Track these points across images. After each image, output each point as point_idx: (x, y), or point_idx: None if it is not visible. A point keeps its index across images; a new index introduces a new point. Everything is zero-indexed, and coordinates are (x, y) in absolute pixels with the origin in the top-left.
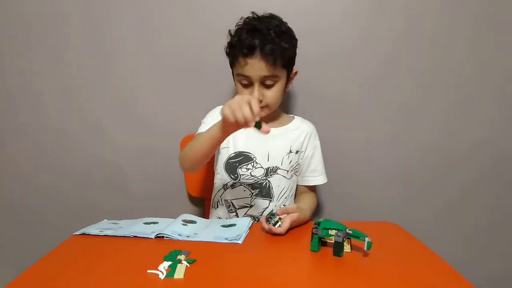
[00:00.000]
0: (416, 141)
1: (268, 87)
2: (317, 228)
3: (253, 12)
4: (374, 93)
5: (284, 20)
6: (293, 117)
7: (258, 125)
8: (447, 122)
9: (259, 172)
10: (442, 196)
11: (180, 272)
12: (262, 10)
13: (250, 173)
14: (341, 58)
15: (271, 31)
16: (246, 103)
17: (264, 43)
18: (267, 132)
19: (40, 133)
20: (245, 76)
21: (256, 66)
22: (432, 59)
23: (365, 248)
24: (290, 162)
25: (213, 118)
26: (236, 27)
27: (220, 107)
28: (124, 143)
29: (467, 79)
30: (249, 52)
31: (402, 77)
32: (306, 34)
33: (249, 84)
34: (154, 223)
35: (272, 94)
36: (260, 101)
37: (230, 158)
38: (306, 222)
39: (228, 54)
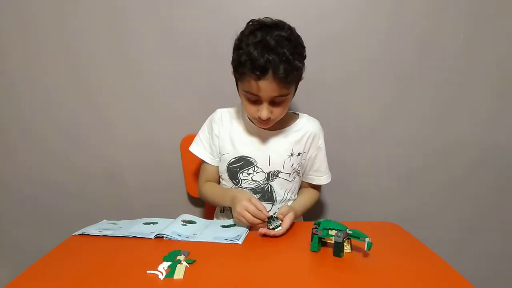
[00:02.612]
0: (417, 142)
1: (277, 104)
2: (317, 228)
3: (259, 19)
4: (375, 94)
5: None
6: (298, 115)
7: (269, 223)
8: (449, 123)
9: (260, 177)
10: (443, 196)
11: (179, 273)
12: (264, 10)
13: (251, 177)
14: (339, 53)
15: (284, 49)
16: (244, 211)
17: (277, 63)
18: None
19: (40, 136)
20: (254, 95)
21: (267, 88)
22: (432, 58)
23: (365, 249)
24: (292, 165)
25: (205, 136)
26: (241, 35)
27: (219, 110)
28: (124, 143)
29: (468, 78)
30: (262, 73)
31: (401, 75)
32: (308, 36)
33: (257, 101)
34: (153, 223)
35: (281, 111)
36: (268, 118)
37: (231, 163)
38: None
39: (235, 69)
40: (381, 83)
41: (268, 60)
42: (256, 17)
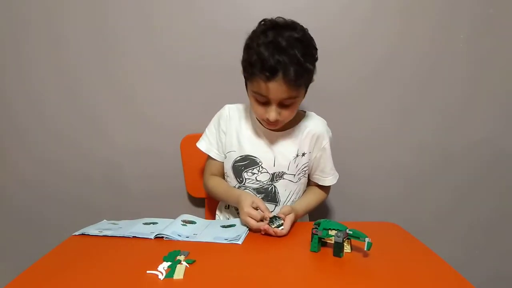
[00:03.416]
0: (417, 140)
1: (286, 106)
2: (317, 228)
3: (271, 19)
4: (374, 92)
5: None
6: (304, 113)
7: (271, 223)
8: (448, 121)
9: (264, 177)
10: (443, 196)
11: (179, 273)
12: (262, 10)
13: (256, 177)
14: (341, 57)
15: (296, 50)
16: (248, 218)
17: (287, 65)
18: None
19: (40, 133)
20: (263, 96)
21: (277, 90)
22: (432, 58)
23: (365, 249)
24: (297, 165)
25: (212, 132)
26: (253, 34)
27: (227, 106)
28: (124, 143)
29: (468, 78)
30: (272, 75)
31: (402, 76)
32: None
33: (265, 103)
34: (153, 223)
35: (289, 113)
36: (276, 120)
37: (236, 161)
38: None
39: (244, 69)
40: (387, 87)
41: (279, 61)
42: (254, 17)
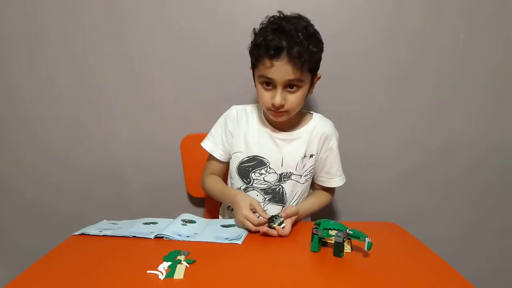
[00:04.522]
0: (416, 140)
1: (292, 91)
2: (317, 228)
3: (279, 11)
4: (375, 92)
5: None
6: (312, 115)
7: (272, 222)
8: (448, 122)
9: (272, 178)
10: (443, 196)
11: (180, 273)
12: (264, 9)
13: (263, 178)
14: (345, 59)
15: (299, 33)
16: (245, 220)
17: (291, 45)
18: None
19: (40, 136)
20: (269, 78)
21: (281, 69)
22: (432, 58)
23: (365, 249)
24: (304, 166)
25: (217, 132)
26: (261, 26)
27: (234, 107)
28: (124, 143)
29: (467, 78)
30: (276, 53)
31: (400, 75)
32: None
33: (271, 87)
34: (153, 223)
35: (295, 99)
36: (282, 106)
37: (242, 162)
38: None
39: (251, 54)
40: (380, 82)
41: (283, 41)
42: (255, 17)
